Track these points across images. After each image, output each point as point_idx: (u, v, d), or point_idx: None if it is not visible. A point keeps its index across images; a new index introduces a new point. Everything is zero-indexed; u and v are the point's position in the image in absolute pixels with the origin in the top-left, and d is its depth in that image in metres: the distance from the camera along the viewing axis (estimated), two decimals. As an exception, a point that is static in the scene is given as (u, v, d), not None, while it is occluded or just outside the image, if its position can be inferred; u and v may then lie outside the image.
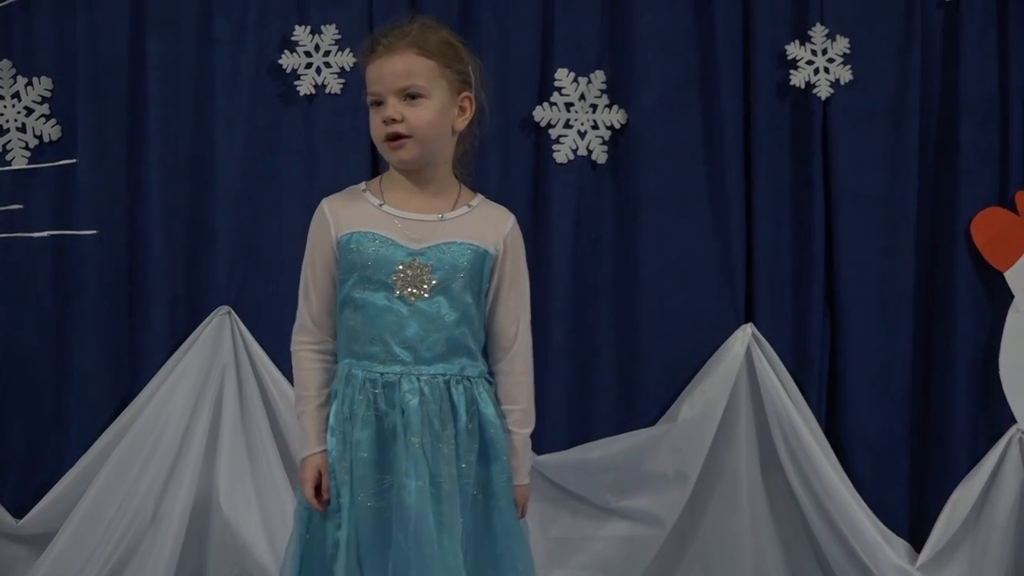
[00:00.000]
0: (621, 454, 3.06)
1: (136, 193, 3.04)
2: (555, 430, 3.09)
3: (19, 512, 3.03)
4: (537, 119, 3.06)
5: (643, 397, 3.11)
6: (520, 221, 3.02)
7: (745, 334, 3.08)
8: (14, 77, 3.00)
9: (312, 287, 2.11)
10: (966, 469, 3.11)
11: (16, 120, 3.00)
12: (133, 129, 3.03)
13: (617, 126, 3.08)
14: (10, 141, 3.01)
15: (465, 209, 2.12)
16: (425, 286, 2.05)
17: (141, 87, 3.02)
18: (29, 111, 3.01)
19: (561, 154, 3.06)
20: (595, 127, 3.08)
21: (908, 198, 3.12)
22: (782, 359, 3.08)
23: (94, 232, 2.92)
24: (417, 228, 2.07)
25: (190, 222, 3.04)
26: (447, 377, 2.07)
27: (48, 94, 3.02)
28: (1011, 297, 3.10)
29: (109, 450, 2.99)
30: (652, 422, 3.10)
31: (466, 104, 2.11)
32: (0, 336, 3.05)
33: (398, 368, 2.05)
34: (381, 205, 2.09)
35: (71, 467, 3.01)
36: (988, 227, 3.09)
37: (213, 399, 3.00)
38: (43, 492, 3.02)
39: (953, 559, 3.12)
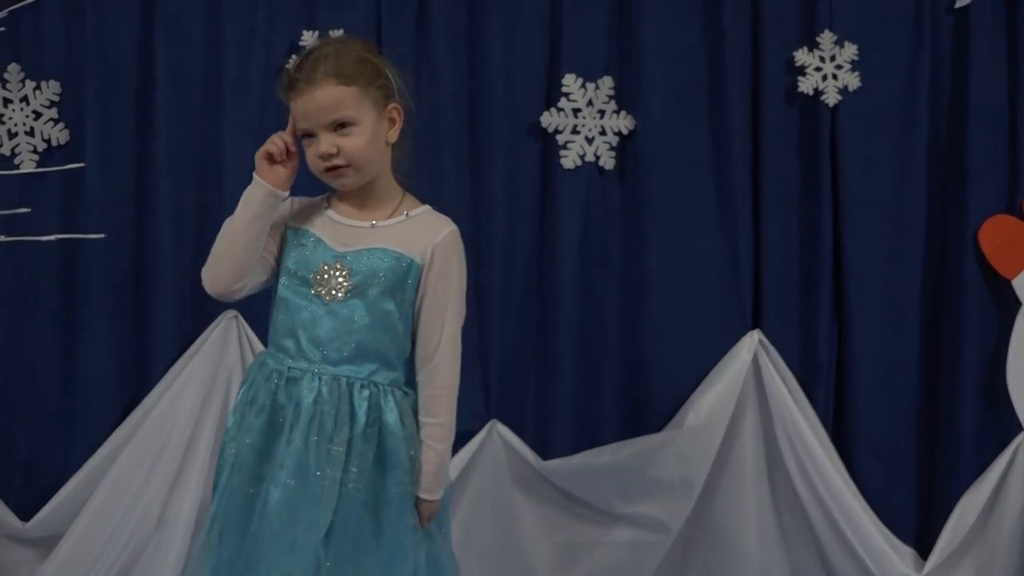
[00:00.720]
0: (627, 460, 3.06)
1: (144, 197, 3.04)
2: (561, 435, 3.09)
3: (25, 515, 3.04)
4: (544, 125, 3.06)
5: (650, 403, 3.11)
6: (527, 226, 3.08)
7: (752, 340, 3.08)
8: (22, 81, 3.00)
9: None
10: (973, 476, 3.11)
11: (24, 124, 3.01)
12: (141, 133, 3.03)
13: (625, 132, 3.08)
14: (18, 145, 3.01)
15: (401, 218, 2.15)
16: (342, 288, 2.09)
17: (149, 91, 3.02)
18: (37, 115, 3.01)
19: (568, 160, 3.06)
20: (603, 133, 3.08)
21: (916, 205, 3.12)
22: (789, 365, 3.08)
23: (102, 236, 2.92)
24: (348, 233, 2.12)
25: (198, 226, 3.04)
26: (351, 380, 2.10)
27: (56, 98, 3.02)
28: (1019, 304, 3.10)
29: (116, 453, 2.99)
30: (658, 428, 3.10)
31: (395, 115, 2.13)
32: (7, 339, 3.05)
33: (304, 365, 2.10)
34: (326, 209, 2.15)
35: (77, 470, 3.01)
36: (996, 234, 3.08)
37: (220, 403, 3.00)
38: (49, 495, 3.02)
39: (960, 567, 3.12)
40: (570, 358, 3.09)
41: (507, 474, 3.06)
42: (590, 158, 3.08)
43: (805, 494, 3.06)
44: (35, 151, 3.02)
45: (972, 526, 3.07)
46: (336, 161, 2.07)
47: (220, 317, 3.02)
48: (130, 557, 2.96)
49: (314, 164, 2.10)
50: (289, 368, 2.10)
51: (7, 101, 3.00)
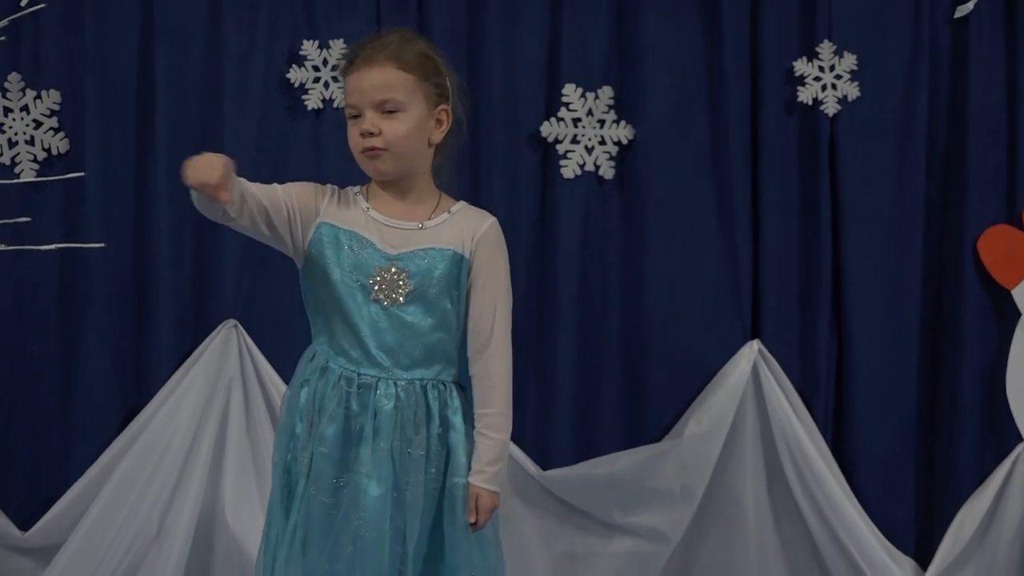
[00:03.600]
0: (627, 470, 3.06)
1: (144, 206, 3.04)
2: (561, 445, 3.09)
3: (25, 524, 3.03)
4: (544, 134, 3.06)
5: (649, 413, 3.11)
6: (527, 236, 3.09)
7: (752, 350, 3.08)
8: (23, 90, 3.00)
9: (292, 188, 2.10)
10: (972, 487, 3.11)
11: (25, 133, 3.01)
12: (141, 142, 3.03)
13: (624, 141, 3.08)
14: (19, 154, 3.01)
15: (445, 216, 2.14)
16: (401, 292, 2.07)
17: (149, 100, 3.02)
18: (38, 124, 3.01)
19: (568, 169, 3.07)
20: (602, 142, 3.08)
21: (915, 215, 3.12)
22: (789, 375, 3.08)
23: (102, 245, 2.92)
24: (396, 235, 2.10)
25: (197, 235, 3.04)
26: (424, 382, 2.09)
27: (57, 107, 3.02)
28: (1018, 315, 3.10)
29: (115, 463, 2.99)
30: (658, 438, 3.10)
31: (443, 117, 2.12)
32: (7, 348, 3.05)
33: (375, 371, 2.07)
34: (368, 210, 2.12)
35: (77, 479, 3.00)
36: (996, 245, 3.08)
37: (219, 413, 3.00)
38: (49, 504, 3.01)
39: (959, 577, 3.12)
40: (570, 368, 3.09)
41: (507, 484, 3.06)
42: (590, 168, 3.08)
43: (804, 504, 3.06)
44: (35, 160, 3.02)
45: (972, 537, 3.07)
46: (375, 141, 2.05)
47: (220, 326, 3.02)
48: (129, 567, 2.95)
49: (354, 143, 2.09)
50: (359, 375, 2.07)
51: (7, 110, 3.00)
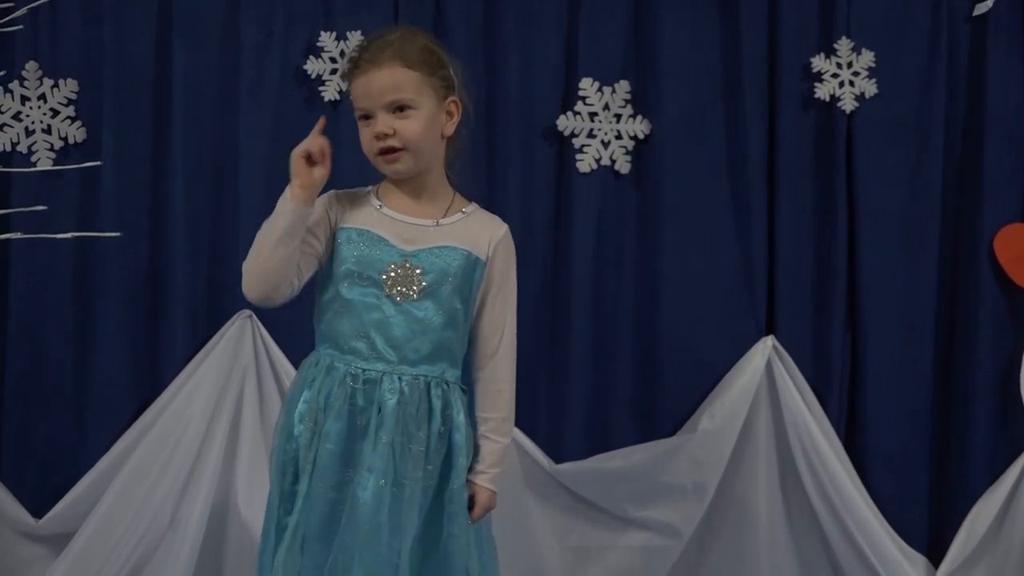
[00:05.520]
0: (640, 464, 3.06)
1: (160, 196, 3.05)
2: (574, 439, 3.10)
3: (38, 512, 3.04)
4: (561, 128, 3.06)
5: (663, 408, 3.11)
6: (542, 229, 3.09)
7: (766, 347, 3.08)
8: (40, 79, 3.01)
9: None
10: (985, 485, 3.11)
11: (42, 122, 3.01)
12: (158, 132, 3.04)
13: (641, 136, 3.08)
14: (35, 143, 3.02)
15: (459, 216, 2.15)
16: (414, 288, 2.08)
17: (166, 91, 3.03)
18: (55, 113, 3.02)
19: (584, 164, 3.07)
20: (619, 137, 3.08)
21: (931, 213, 3.11)
22: (803, 372, 3.07)
23: (117, 234, 2.93)
24: (411, 231, 2.11)
25: (213, 225, 3.05)
26: (429, 379, 2.10)
27: (74, 96, 3.03)
28: (1033, 314, 3.10)
29: (129, 452, 3.00)
30: (671, 433, 3.10)
31: (453, 108, 2.13)
32: (22, 336, 3.06)
33: (381, 366, 2.08)
34: (380, 207, 2.12)
35: (91, 468, 3.02)
36: (1011, 244, 3.08)
37: (233, 402, 3.01)
38: (62, 493, 3.03)
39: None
40: (583, 361, 3.09)
41: (519, 478, 3.06)
42: (606, 162, 3.08)
43: (817, 500, 3.06)
44: (52, 149, 3.02)
45: (984, 535, 3.07)
46: (392, 142, 2.06)
47: (235, 316, 3.02)
48: (142, 556, 2.96)
49: (369, 146, 2.09)
50: (364, 370, 2.08)
51: (25, 99, 3.01)
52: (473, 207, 2.19)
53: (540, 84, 3.07)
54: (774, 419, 3.08)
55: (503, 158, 3.06)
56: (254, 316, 3.02)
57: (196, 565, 2.95)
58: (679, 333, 3.09)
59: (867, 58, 3.05)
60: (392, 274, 2.08)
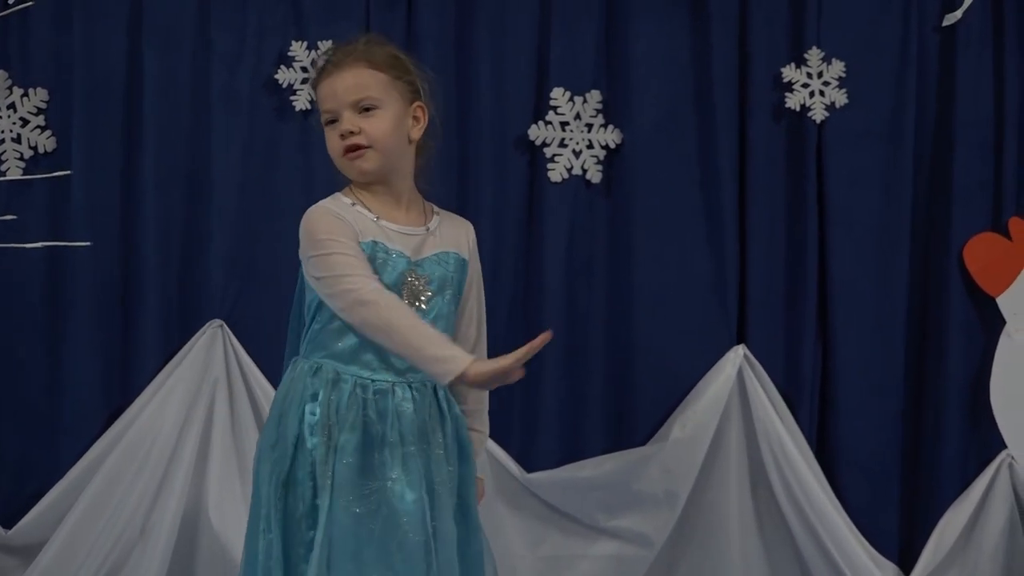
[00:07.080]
0: (612, 473, 3.06)
1: (130, 205, 3.04)
2: (546, 448, 3.10)
3: (9, 522, 3.03)
4: (532, 138, 3.06)
5: (634, 416, 3.11)
6: (514, 238, 3.10)
7: (737, 355, 3.09)
8: (10, 88, 3.00)
9: (350, 251, 2.01)
10: (956, 493, 3.12)
11: (11, 131, 3.00)
12: (128, 141, 3.03)
13: (612, 146, 3.08)
14: (5, 152, 3.00)
15: (437, 220, 2.16)
16: (424, 297, 2.08)
17: (137, 100, 3.02)
18: (24, 122, 3.01)
19: (555, 173, 3.07)
20: (590, 146, 3.08)
21: (902, 222, 3.12)
22: (774, 381, 3.08)
23: (88, 244, 2.93)
24: (411, 240, 2.10)
25: (184, 235, 3.05)
26: (433, 382, 2.09)
27: (44, 105, 3.02)
28: (1003, 322, 3.11)
29: (100, 461, 2.99)
30: (643, 442, 3.10)
31: (419, 113, 2.12)
32: (-8, 346, 3.05)
33: (390, 376, 2.06)
34: (377, 220, 2.08)
35: (62, 478, 3.00)
36: (981, 252, 3.09)
37: (204, 412, 3.00)
38: (33, 502, 3.01)
39: (942, 584, 3.13)
40: (555, 371, 3.09)
41: (491, 486, 3.06)
42: (577, 171, 3.08)
43: (788, 509, 3.06)
44: (22, 158, 3.01)
45: (954, 543, 3.08)
46: (358, 139, 2.04)
47: (206, 326, 3.02)
48: (113, 565, 2.95)
49: (334, 146, 2.07)
50: (373, 381, 2.06)
51: (-6, 108, 3.01)
52: (439, 209, 2.20)
53: (512, 94, 3.08)
54: (745, 428, 3.09)
55: (475, 167, 3.06)
56: (225, 326, 3.02)
57: (167, 573, 2.94)
58: (650, 342, 3.09)
59: (837, 68, 3.06)
60: (407, 285, 2.07)
